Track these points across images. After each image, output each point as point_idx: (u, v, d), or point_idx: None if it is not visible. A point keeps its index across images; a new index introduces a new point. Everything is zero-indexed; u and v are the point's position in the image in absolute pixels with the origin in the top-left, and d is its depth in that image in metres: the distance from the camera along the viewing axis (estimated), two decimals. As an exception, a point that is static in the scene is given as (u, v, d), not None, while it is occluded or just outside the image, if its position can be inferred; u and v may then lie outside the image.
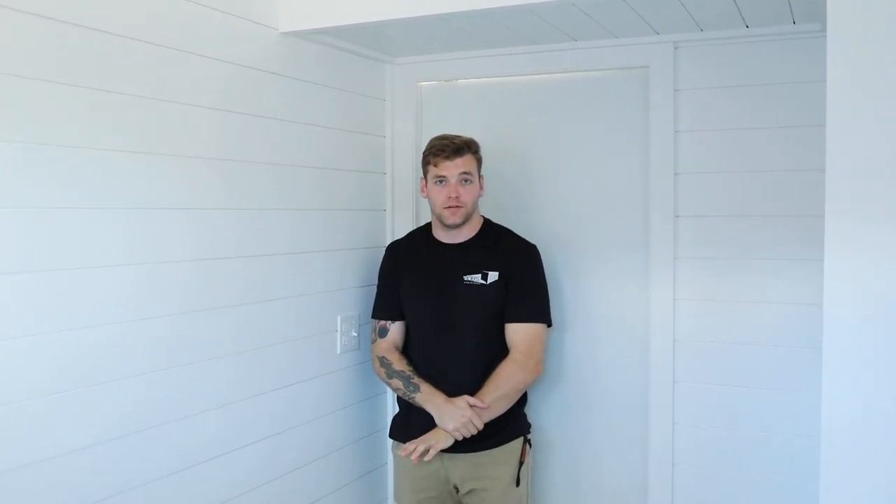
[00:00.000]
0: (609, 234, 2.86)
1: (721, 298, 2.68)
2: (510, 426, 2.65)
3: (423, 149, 2.69)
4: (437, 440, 2.49)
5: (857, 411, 1.74)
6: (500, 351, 2.63)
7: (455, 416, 2.50)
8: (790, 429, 2.60)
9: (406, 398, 2.65)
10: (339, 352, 2.83)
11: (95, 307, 1.94)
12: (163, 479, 2.15)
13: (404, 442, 2.69)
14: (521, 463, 2.65)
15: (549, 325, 2.69)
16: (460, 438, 2.51)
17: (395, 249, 2.83)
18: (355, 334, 2.89)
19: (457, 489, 2.66)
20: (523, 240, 2.72)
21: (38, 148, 1.80)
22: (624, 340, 2.85)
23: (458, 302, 2.63)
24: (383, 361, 2.70)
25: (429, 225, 2.78)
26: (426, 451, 2.46)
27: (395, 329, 2.74)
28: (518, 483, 2.63)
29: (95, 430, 1.96)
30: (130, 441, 2.05)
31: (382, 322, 2.75)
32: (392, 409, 3.03)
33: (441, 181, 2.60)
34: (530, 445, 2.72)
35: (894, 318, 1.71)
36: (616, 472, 2.90)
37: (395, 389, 2.70)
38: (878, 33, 1.72)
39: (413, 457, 2.47)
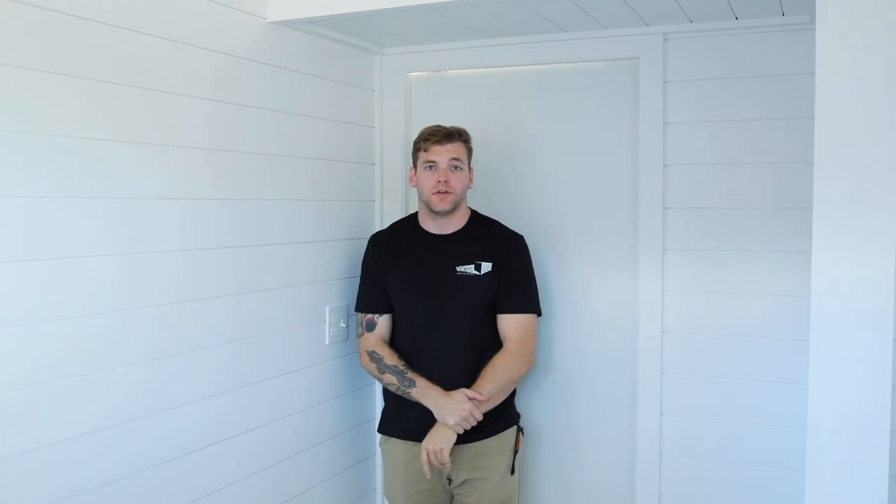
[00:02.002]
0: (597, 226, 2.86)
1: (709, 290, 2.69)
2: (504, 416, 2.66)
3: (414, 138, 2.68)
4: (444, 443, 2.50)
5: (844, 403, 1.75)
6: (492, 342, 2.63)
7: (455, 410, 2.50)
8: (778, 420, 2.61)
9: (401, 393, 2.62)
10: (327, 343, 2.82)
11: (84, 297, 1.93)
12: (153, 469, 2.15)
13: (395, 436, 2.70)
14: (515, 451, 2.66)
15: (540, 314, 2.69)
16: (461, 432, 2.51)
17: (379, 240, 2.80)
18: (343, 325, 2.89)
19: (450, 480, 2.66)
20: (511, 230, 2.72)
21: (26, 137, 1.79)
22: (612, 331, 2.85)
23: (450, 293, 2.62)
24: (373, 356, 2.68)
25: (415, 215, 2.77)
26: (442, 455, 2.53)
27: (383, 322, 2.72)
28: (513, 471, 2.64)
29: (86, 419, 1.95)
30: (121, 431, 2.05)
31: (369, 315, 2.72)
32: (380, 400, 3.03)
33: (431, 166, 2.59)
34: (523, 433, 2.73)
35: (881, 310, 1.71)
36: (604, 463, 2.90)
37: (387, 384, 2.68)
38: (866, 25, 1.72)
39: (445, 468, 2.54)
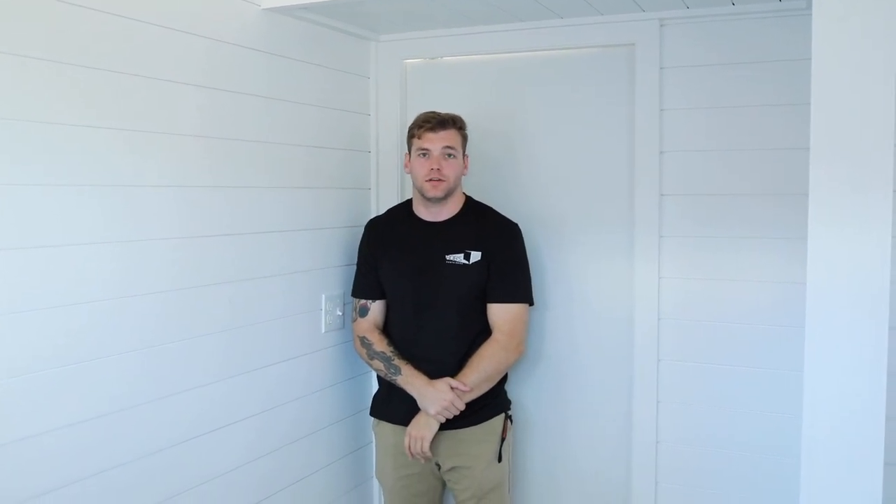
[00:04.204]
0: (594, 213, 2.86)
1: (706, 277, 2.68)
2: (491, 403, 2.66)
3: (409, 124, 2.68)
4: (426, 431, 2.53)
5: (840, 389, 1.75)
6: (482, 330, 2.63)
7: (436, 399, 2.52)
8: (775, 407, 2.61)
9: (388, 379, 2.65)
10: (323, 331, 2.82)
11: (81, 285, 1.93)
12: (152, 457, 2.15)
13: (385, 420, 2.73)
14: (502, 439, 2.66)
15: (531, 304, 2.69)
16: (443, 421, 2.54)
17: (374, 226, 2.81)
18: (340, 313, 2.89)
19: (438, 466, 2.67)
20: (505, 218, 2.71)
21: (20, 125, 1.78)
22: (608, 319, 2.85)
23: (439, 282, 2.62)
24: (364, 342, 2.70)
25: (410, 201, 2.77)
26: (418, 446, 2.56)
27: (376, 308, 2.73)
28: (500, 459, 2.64)
29: (84, 407, 1.95)
30: (119, 418, 2.05)
31: (363, 301, 2.74)
32: (377, 388, 3.03)
33: (424, 154, 2.59)
34: (511, 422, 2.74)
35: (877, 297, 1.71)
36: (600, 450, 2.91)
37: (376, 370, 2.71)
38: (862, 10, 1.71)
39: (421, 458, 2.57)
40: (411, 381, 2.58)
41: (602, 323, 2.86)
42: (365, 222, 2.88)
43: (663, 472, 2.78)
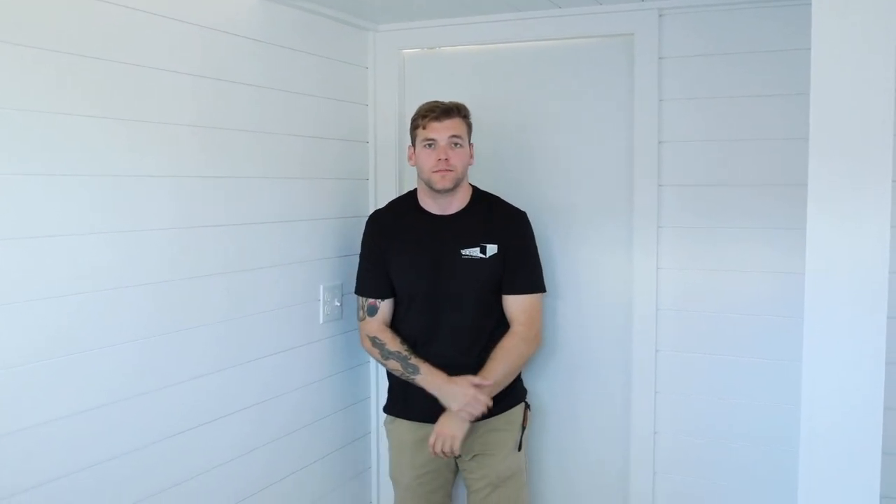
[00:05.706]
0: (592, 203, 2.85)
1: (704, 267, 2.68)
2: (511, 393, 2.64)
3: (412, 115, 2.63)
4: (457, 430, 2.48)
5: (838, 380, 1.75)
6: (497, 325, 2.61)
7: (459, 395, 2.47)
8: (771, 397, 2.61)
9: (405, 378, 2.58)
10: (321, 321, 2.81)
11: (74, 276, 1.92)
12: (149, 447, 2.15)
13: (402, 417, 2.68)
14: (523, 428, 2.65)
15: (545, 291, 2.68)
16: (468, 418, 2.48)
17: (378, 220, 2.73)
18: (338, 304, 2.88)
19: (457, 457, 2.63)
20: (513, 207, 2.68)
21: (14, 115, 1.77)
22: (608, 309, 2.85)
23: (457, 276, 2.57)
24: (376, 342, 2.63)
25: (413, 193, 2.72)
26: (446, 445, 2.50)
27: (385, 306, 2.66)
28: (520, 447, 2.64)
29: (77, 398, 1.95)
30: (116, 409, 2.05)
31: (371, 300, 2.66)
32: (375, 378, 3.03)
33: (430, 144, 2.53)
34: (530, 410, 2.73)
35: (876, 289, 1.71)
36: (599, 439, 2.91)
37: (391, 370, 2.64)
38: (862, 2, 1.70)
39: (444, 456, 2.52)
40: (431, 379, 2.52)
41: (603, 313, 2.86)
42: (363, 213, 2.87)
43: (661, 462, 2.78)
